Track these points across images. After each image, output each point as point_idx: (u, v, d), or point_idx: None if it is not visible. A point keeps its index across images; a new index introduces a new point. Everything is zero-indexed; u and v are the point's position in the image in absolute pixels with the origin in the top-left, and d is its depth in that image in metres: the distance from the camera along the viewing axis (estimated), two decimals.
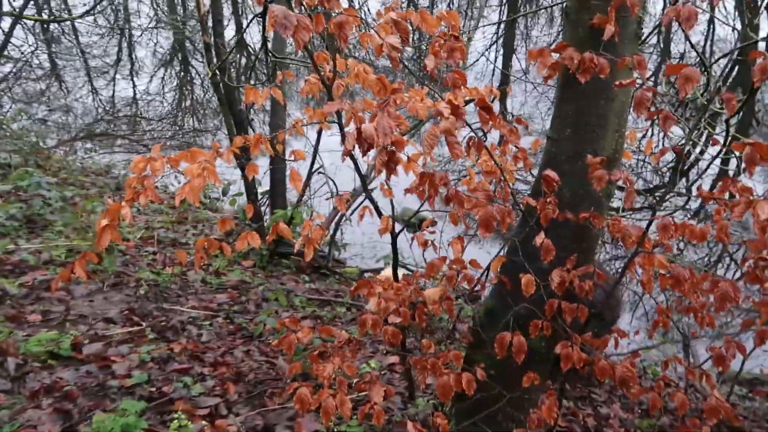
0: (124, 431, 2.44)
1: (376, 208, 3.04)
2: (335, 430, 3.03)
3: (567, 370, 2.31)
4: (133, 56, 17.16)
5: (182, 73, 16.92)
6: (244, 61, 13.19)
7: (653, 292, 2.78)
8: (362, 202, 7.42)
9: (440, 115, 1.90)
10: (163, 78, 16.32)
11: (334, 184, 7.46)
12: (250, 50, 13.00)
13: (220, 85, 5.16)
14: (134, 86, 15.04)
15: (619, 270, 2.59)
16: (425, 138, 1.91)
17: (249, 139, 2.95)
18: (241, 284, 5.20)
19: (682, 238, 2.27)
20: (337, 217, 6.82)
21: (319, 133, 5.59)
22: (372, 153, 1.97)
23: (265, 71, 5.74)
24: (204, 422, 2.85)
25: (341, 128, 3.01)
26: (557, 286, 2.18)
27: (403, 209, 8.84)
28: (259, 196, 6.26)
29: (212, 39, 5.08)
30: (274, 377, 3.50)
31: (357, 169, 3.15)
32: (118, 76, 15.55)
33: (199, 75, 16.39)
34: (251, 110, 5.90)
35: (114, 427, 2.44)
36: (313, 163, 5.73)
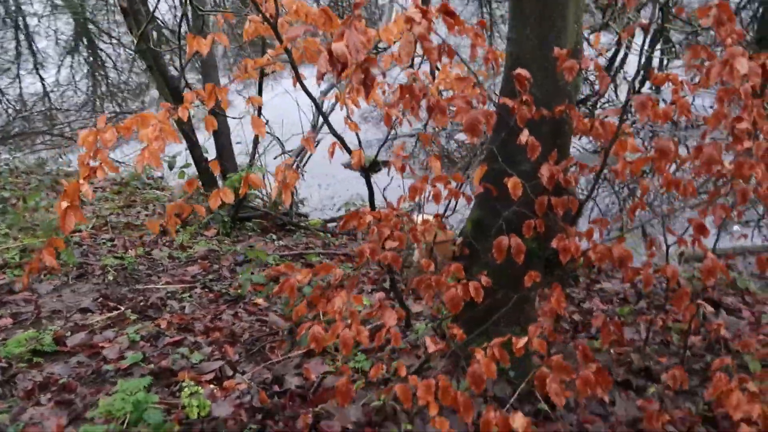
0: (137, 408, 2.37)
1: (342, 142, 2.97)
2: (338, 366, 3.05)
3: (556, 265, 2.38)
4: (34, 48, 15.98)
5: (91, 59, 15.93)
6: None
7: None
8: (309, 154, 7.31)
9: (411, 22, 1.83)
10: (71, 66, 15.34)
11: (279, 141, 7.31)
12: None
13: (148, 52, 4.86)
14: (42, 80, 14.08)
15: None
16: (401, 47, 1.85)
17: (201, 93, 2.81)
18: (210, 253, 5.07)
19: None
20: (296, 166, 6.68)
21: (260, 84, 5.39)
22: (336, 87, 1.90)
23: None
24: (212, 386, 2.80)
25: (294, 67, 2.91)
26: (547, 180, 2.20)
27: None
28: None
29: (128, 3, 4.75)
30: (268, 333, 3.46)
31: (315, 102, 3.06)
32: (22, 72, 14.49)
33: (110, 57, 15.51)
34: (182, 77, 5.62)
35: (125, 406, 2.36)
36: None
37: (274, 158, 7.39)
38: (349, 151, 2.94)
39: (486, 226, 2.67)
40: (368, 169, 3.17)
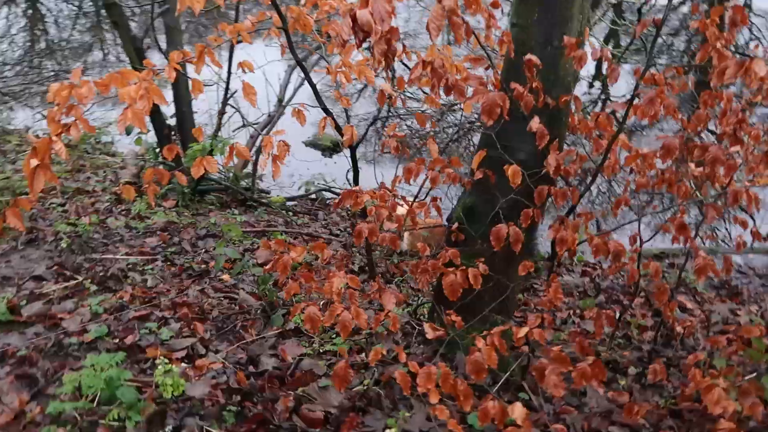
0: (109, 385, 2.22)
1: (332, 117, 2.87)
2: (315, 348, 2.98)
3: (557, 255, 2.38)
4: None
5: (30, 11, 14.95)
6: None
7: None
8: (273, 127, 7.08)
9: None
10: (7, 18, 14.32)
11: (241, 115, 7.06)
12: None
13: (115, 7, 4.56)
14: None
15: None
16: (430, 21, 1.77)
17: (188, 53, 2.64)
18: (170, 225, 4.85)
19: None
20: (259, 142, 6.48)
21: (231, 52, 5.16)
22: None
23: None
24: (184, 364, 2.67)
25: (287, 35, 2.78)
26: (554, 170, 2.18)
27: (314, 135, 8.58)
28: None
29: None
30: (238, 311, 3.34)
31: (307, 76, 2.94)
32: None
33: (51, 12, 14.60)
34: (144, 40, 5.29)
35: (96, 383, 2.21)
36: (227, 90, 5.32)
37: (233, 131, 7.15)
38: (339, 129, 2.84)
39: (479, 213, 2.64)
40: (355, 147, 3.06)
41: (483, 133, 2.68)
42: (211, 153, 5.40)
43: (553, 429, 1.97)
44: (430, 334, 2.05)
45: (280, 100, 6.43)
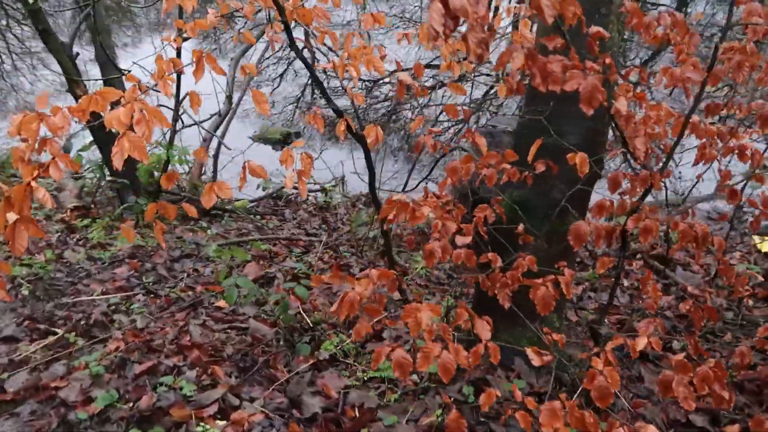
0: None
1: (346, 117, 2.52)
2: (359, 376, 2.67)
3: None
4: None
5: None
6: None
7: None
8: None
9: None
10: None
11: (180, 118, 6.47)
12: None
13: (41, 13, 3.94)
14: None
15: None
16: None
17: (178, 62, 2.23)
18: (137, 250, 4.35)
19: None
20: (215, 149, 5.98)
21: (179, 52, 4.61)
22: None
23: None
24: (220, 422, 2.30)
25: (287, 28, 2.39)
26: (645, 155, 1.94)
27: (261, 128, 8.08)
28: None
29: None
30: (255, 344, 2.96)
31: (311, 71, 2.56)
32: None
33: None
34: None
35: None
36: (178, 95, 4.79)
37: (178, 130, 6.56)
38: (350, 129, 2.50)
39: (535, 207, 2.39)
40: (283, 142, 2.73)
41: (527, 118, 2.41)
42: (167, 164, 4.89)
43: None
44: (536, 361, 1.79)
45: (229, 98, 5.91)
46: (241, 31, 2.41)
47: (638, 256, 4.72)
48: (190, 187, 5.56)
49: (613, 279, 3.98)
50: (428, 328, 1.72)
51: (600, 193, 2.47)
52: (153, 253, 4.31)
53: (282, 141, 7.66)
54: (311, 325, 3.11)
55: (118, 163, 1.93)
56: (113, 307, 3.35)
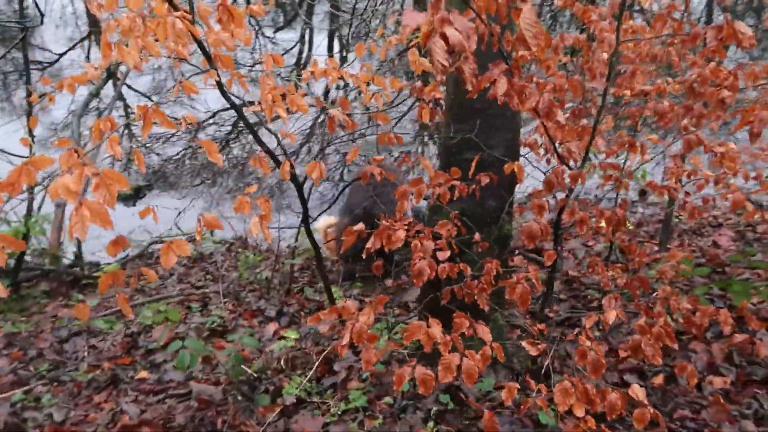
0: None
1: (270, 153, 2.56)
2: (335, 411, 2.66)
3: None
4: None
5: None
6: None
7: None
8: None
9: None
10: None
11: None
12: None
13: None
14: None
15: None
16: None
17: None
18: (13, 338, 3.82)
19: None
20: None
21: (29, 112, 4.17)
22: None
23: None
24: None
25: (207, 57, 2.35)
26: (578, 156, 2.24)
27: None
28: None
29: None
30: (200, 408, 2.78)
31: (248, 124, 2.52)
32: None
33: None
34: None
35: None
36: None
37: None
38: (278, 164, 2.54)
39: (475, 217, 2.59)
40: (301, 186, 2.76)
41: (451, 137, 2.61)
42: (27, 235, 4.38)
43: None
44: (532, 351, 1.97)
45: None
46: (181, 81, 2.31)
47: (516, 252, 5.21)
48: (50, 259, 4.99)
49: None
50: (442, 341, 1.82)
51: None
52: (33, 338, 3.82)
53: (134, 196, 7.16)
54: (255, 375, 3.01)
55: (80, 234, 1.79)
56: (18, 405, 2.93)
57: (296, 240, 4.47)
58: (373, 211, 4.33)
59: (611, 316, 2.03)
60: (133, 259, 5.73)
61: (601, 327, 3.14)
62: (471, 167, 2.40)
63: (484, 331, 1.91)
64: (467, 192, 2.34)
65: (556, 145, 2.28)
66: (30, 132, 3.99)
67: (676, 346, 2.13)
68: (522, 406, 2.05)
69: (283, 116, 2.56)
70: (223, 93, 2.38)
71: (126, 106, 10.05)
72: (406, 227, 2.18)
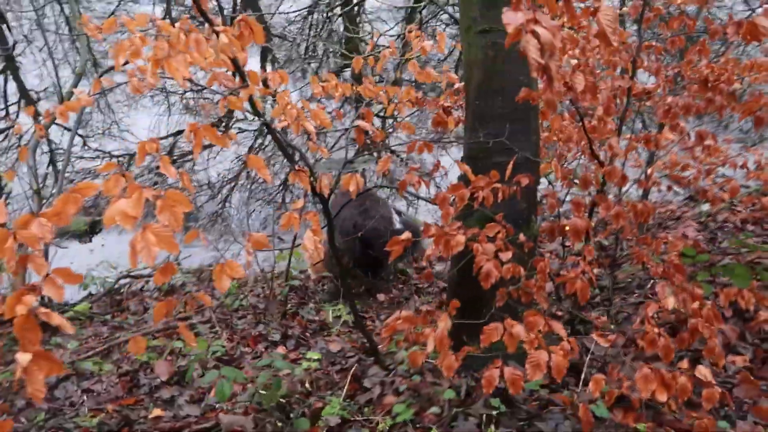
0: None
1: (310, 167, 2.50)
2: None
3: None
4: None
5: None
6: None
7: None
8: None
9: None
10: None
11: None
12: None
13: None
14: None
15: None
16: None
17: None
18: None
19: None
20: None
21: None
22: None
23: None
24: None
25: (242, 75, 2.29)
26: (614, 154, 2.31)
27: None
28: None
29: None
30: None
31: (278, 142, 2.46)
32: None
33: None
34: None
35: None
36: None
37: None
38: (315, 178, 2.49)
39: (506, 218, 2.61)
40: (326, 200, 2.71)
41: (477, 142, 2.64)
42: None
43: None
44: (603, 342, 2.01)
45: (37, 192, 5.07)
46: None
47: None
48: None
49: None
50: (528, 340, 1.82)
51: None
52: (18, 389, 3.52)
53: (89, 232, 6.78)
54: (284, 400, 2.89)
55: (147, 259, 1.70)
56: None
57: (288, 262, 4.37)
58: (362, 226, 4.31)
59: (670, 303, 2.10)
60: (101, 297, 5.41)
61: (619, 321, 3.25)
62: (506, 170, 2.43)
63: (559, 328, 1.92)
64: (509, 195, 2.37)
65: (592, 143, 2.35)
66: None
67: (722, 325, 2.23)
68: (574, 403, 2.08)
69: (310, 130, 2.51)
70: (255, 111, 2.31)
71: (49, 141, 9.58)
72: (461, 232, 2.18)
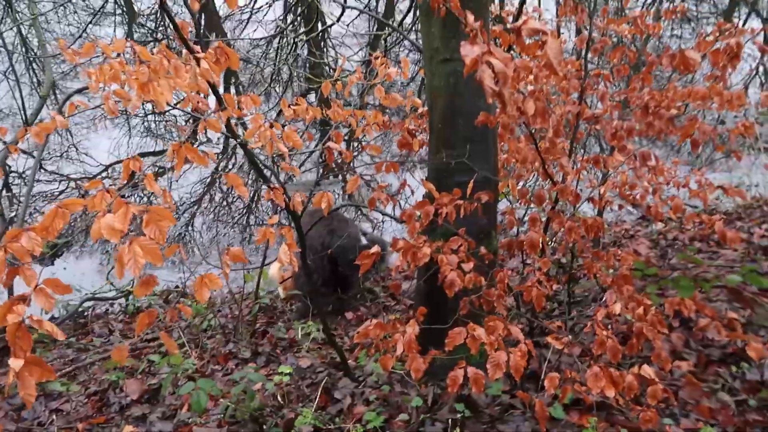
0: None
1: (283, 186, 2.64)
2: None
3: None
4: None
5: None
6: None
7: None
8: None
9: None
10: None
11: None
12: None
13: None
14: None
15: None
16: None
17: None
18: None
19: None
20: None
21: None
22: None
23: None
24: None
25: (219, 98, 2.42)
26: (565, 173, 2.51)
27: None
28: None
29: None
30: None
31: (252, 161, 2.58)
32: None
33: None
34: None
35: None
36: None
37: None
38: (289, 197, 2.62)
39: (468, 233, 2.78)
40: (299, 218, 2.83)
41: (440, 162, 2.81)
42: None
43: None
44: (558, 344, 2.17)
45: (1, 214, 5.03)
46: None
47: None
48: None
49: None
50: (489, 342, 1.97)
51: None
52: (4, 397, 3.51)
53: (53, 254, 6.70)
54: (256, 413, 2.97)
55: (134, 271, 1.81)
56: None
57: (258, 281, 4.45)
58: (330, 245, 4.43)
59: (617, 308, 2.29)
60: (65, 320, 5.36)
61: (576, 332, 3.44)
62: (467, 188, 2.60)
63: (517, 332, 2.09)
64: (471, 211, 2.54)
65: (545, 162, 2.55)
66: None
67: (666, 330, 2.43)
68: (532, 402, 2.24)
69: (284, 151, 2.65)
70: (232, 132, 2.43)
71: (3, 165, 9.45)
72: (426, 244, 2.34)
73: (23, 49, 10.90)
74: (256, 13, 11.80)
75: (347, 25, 8.28)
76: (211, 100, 2.89)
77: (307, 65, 11.16)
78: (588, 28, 2.60)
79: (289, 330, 4.44)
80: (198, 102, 2.84)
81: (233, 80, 11.70)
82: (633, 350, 2.36)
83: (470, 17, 1.84)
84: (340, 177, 7.88)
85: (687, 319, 3.40)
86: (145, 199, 8.60)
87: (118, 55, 2.55)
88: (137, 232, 1.85)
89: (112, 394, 3.56)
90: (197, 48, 2.26)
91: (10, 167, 9.39)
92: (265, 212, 8.88)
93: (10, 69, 8.65)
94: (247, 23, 12.08)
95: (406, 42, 10.37)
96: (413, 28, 8.42)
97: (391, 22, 9.36)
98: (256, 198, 9.06)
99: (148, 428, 3.10)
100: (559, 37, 1.99)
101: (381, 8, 12.01)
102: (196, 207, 9.12)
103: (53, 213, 1.86)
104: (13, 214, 7.68)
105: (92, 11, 11.92)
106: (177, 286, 6.26)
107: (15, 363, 1.62)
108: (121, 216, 1.82)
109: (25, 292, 1.76)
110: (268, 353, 3.91)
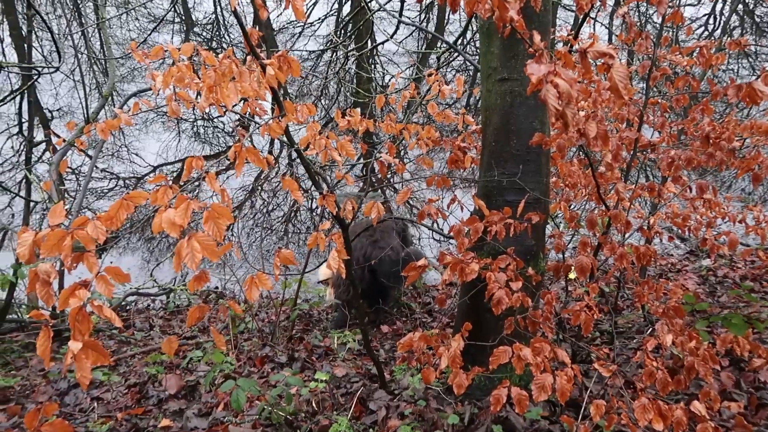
0: None
1: (332, 194, 2.66)
2: None
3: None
4: None
5: None
6: None
7: None
8: None
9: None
10: None
11: None
12: None
13: None
14: None
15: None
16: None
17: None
18: (6, 392, 3.61)
19: None
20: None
21: None
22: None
23: None
24: None
25: (279, 104, 2.47)
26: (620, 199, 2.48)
27: None
28: None
29: None
30: None
31: (306, 165, 2.63)
32: None
33: None
34: None
35: None
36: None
37: None
38: (338, 213, 2.64)
39: (515, 253, 2.76)
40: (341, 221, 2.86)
41: (490, 180, 2.81)
42: (15, 283, 4.20)
43: None
44: (605, 372, 2.13)
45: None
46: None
47: None
48: (29, 311, 4.74)
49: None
50: (535, 363, 1.95)
51: None
52: (30, 392, 3.62)
53: (100, 249, 6.92)
54: (287, 417, 2.99)
55: (192, 265, 1.85)
56: None
57: (298, 287, 4.49)
58: (371, 256, 4.44)
59: (668, 339, 2.23)
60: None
61: (620, 363, 3.36)
62: (517, 208, 2.59)
63: (564, 355, 2.05)
64: (520, 231, 2.53)
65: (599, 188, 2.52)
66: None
67: (718, 366, 2.35)
68: (575, 427, 2.19)
69: (338, 160, 2.69)
70: (290, 138, 2.49)
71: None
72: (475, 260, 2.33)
73: (87, 51, 11.37)
74: (308, 27, 12.05)
75: (399, 43, 8.37)
76: (265, 107, 2.98)
77: (355, 80, 11.31)
78: (652, 56, 2.57)
79: (324, 338, 4.46)
80: (257, 107, 2.92)
81: (281, 91, 11.93)
82: (680, 386, 2.29)
83: (537, 37, 1.85)
84: (379, 190, 7.93)
85: (738, 359, 3.29)
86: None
87: (189, 58, 2.65)
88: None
89: (151, 387, 3.63)
90: (263, 55, 2.32)
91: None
92: (303, 222, 8.99)
93: (77, 68, 9.01)
94: (299, 36, 12.36)
95: (454, 63, 10.42)
96: (466, 49, 8.45)
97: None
98: (295, 207, 9.19)
99: (184, 423, 3.15)
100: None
101: (431, 27, 12.13)
102: (237, 212, 9.29)
103: (118, 204, 1.93)
104: (67, 207, 7.96)
105: (152, 18, 12.38)
106: (216, 287, 6.37)
107: (74, 345, 1.68)
108: (182, 211, 1.87)
109: (86, 278, 1.82)
110: (303, 359, 3.93)
